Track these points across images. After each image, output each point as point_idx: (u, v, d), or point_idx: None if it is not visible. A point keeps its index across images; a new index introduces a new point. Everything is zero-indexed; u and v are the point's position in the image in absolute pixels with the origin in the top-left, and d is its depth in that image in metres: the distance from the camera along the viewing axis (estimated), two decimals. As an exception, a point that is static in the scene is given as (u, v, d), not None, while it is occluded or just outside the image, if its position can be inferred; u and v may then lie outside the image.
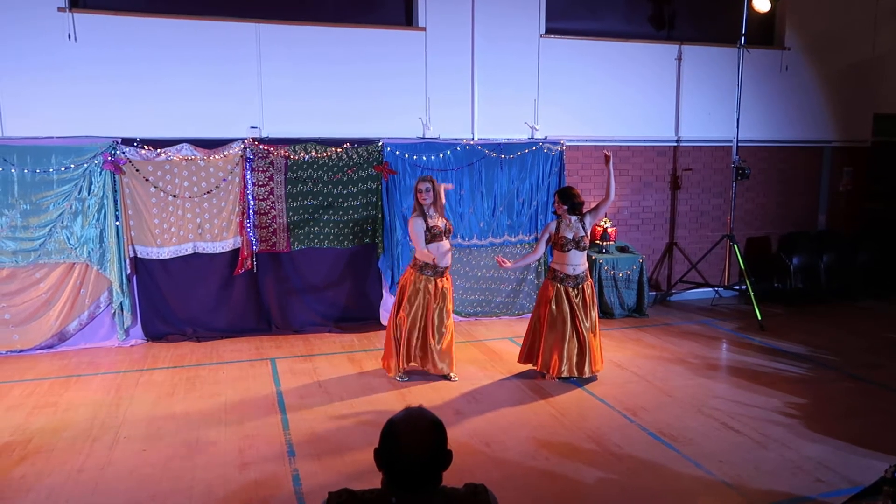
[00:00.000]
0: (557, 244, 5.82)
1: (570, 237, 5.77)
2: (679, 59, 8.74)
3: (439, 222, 5.75)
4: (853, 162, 9.82)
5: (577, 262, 5.81)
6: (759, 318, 7.74)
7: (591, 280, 6.00)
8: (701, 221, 9.22)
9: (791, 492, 4.03)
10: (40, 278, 6.72)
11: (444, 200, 5.90)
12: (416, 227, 5.69)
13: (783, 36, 9.23)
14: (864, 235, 9.77)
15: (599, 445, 4.66)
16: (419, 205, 5.72)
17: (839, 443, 4.68)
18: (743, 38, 8.28)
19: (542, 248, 5.95)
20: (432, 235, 5.68)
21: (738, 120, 8.40)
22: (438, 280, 5.78)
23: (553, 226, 5.87)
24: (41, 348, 6.75)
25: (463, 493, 1.98)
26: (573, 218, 5.81)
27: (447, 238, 5.79)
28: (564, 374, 5.79)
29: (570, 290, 5.81)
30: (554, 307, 5.78)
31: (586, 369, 5.82)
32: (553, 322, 5.79)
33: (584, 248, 5.82)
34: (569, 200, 5.81)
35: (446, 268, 5.83)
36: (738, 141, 8.46)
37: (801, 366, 6.42)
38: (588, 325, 5.83)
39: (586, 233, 5.83)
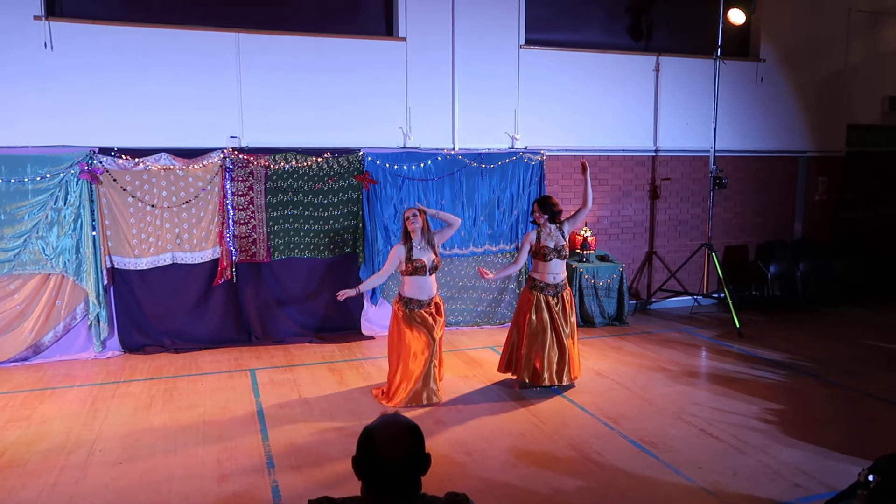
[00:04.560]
0: (539, 254, 5.82)
1: (552, 246, 5.77)
2: (657, 70, 8.86)
3: (425, 257, 5.49)
4: (828, 171, 9.99)
5: (558, 270, 5.83)
6: (738, 325, 7.82)
7: (569, 288, 6.02)
8: (680, 230, 9.32)
9: (769, 497, 4.05)
10: (14, 289, 6.61)
11: (432, 234, 5.60)
12: (395, 252, 5.56)
13: (758, 48, 9.39)
14: (839, 244, 9.93)
15: (580, 453, 4.67)
16: (406, 232, 5.55)
17: (817, 448, 4.73)
18: (719, 50, 8.41)
19: (523, 259, 5.92)
20: (413, 269, 5.48)
21: (714, 130, 8.52)
22: (426, 310, 5.56)
23: (533, 236, 5.87)
24: (15, 361, 6.63)
25: (444, 502, 1.97)
26: (552, 227, 5.83)
27: (431, 274, 5.54)
28: (545, 383, 5.79)
29: (551, 298, 5.82)
30: (534, 316, 5.79)
31: (565, 377, 5.83)
32: (533, 331, 5.79)
33: (564, 257, 5.85)
34: (548, 209, 5.82)
35: (430, 299, 5.57)
36: (715, 151, 8.57)
37: (778, 372, 6.49)
38: (567, 332, 5.85)
39: (566, 241, 5.87)
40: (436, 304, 5.67)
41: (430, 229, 5.61)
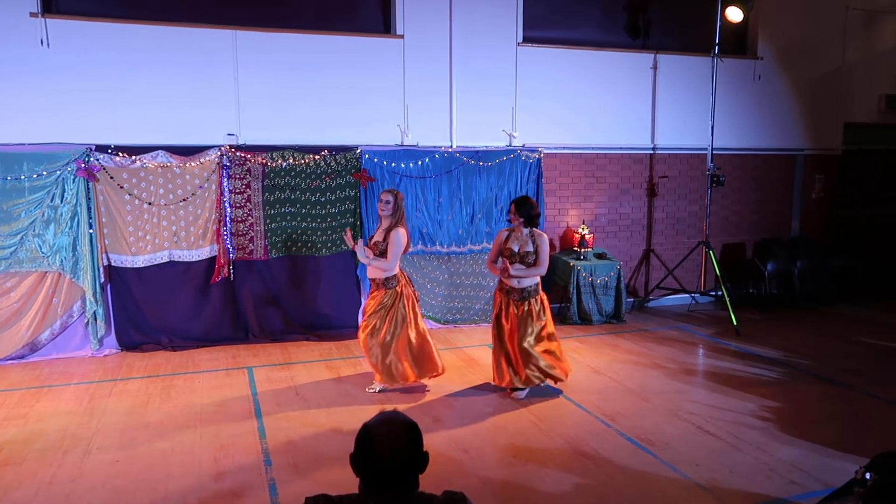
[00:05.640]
0: (503, 255, 5.56)
1: (516, 250, 5.49)
2: (654, 67, 8.85)
3: (378, 237, 5.64)
4: (825, 169, 10.00)
5: (522, 275, 5.51)
6: (735, 323, 7.83)
7: (542, 295, 5.65)
8: (677, 228, 9.32)
9: (766, 494, 4.06)
10: (11, 287, 6.59)
11: (392, 232, 5.58)
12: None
13: (756, 46, 9.39)
14: (836, 242, 9.95)
15: (577, 451, 4.67)
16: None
17: (813, 445, 4.74)
18: (716, 48, 8.40)
19: (494, 257, 5.68)
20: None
21: (712, 128, 8.51)
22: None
23: (503, 235, 5.62)
24: (12, 359, 6.61)
25: (441, 501, 1.97)
26: (525, 231, 5.53)
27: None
28: (516, 385, 5.63)
29: (514, 303, 5.55)
30: (501, 318, 5.63)
31: (516, 380, 5.61)
32: (499, 335, 5.65)
33: (528, 264, 5.49)
34: (524, 212, 5.49)
35: (372, 280, 5.77)
36: (712, 149, 8.57)
37: (775, 370, 6.50)
38: (529, 339, 5.51)
39: (534, 251, 5.49)
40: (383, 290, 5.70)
41: (393, 226, 5.56)
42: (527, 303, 5.56)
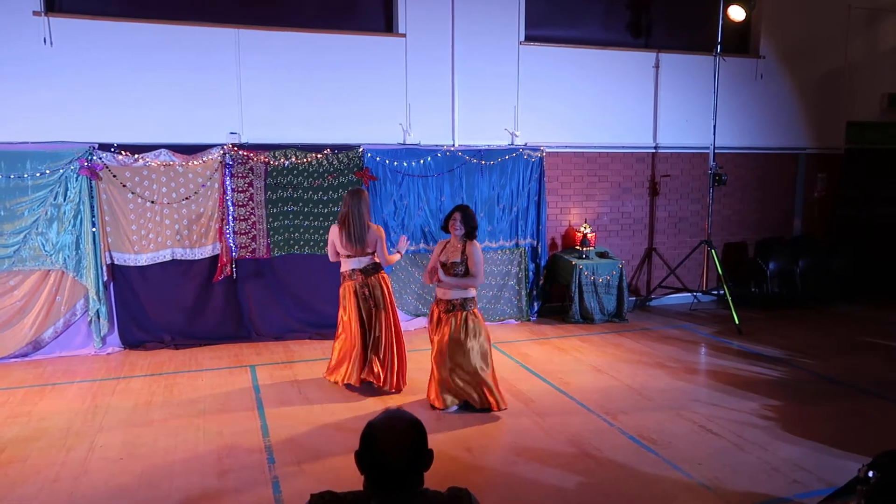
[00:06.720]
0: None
1: (444, 261, 5.17)
2: (656, 66, 8.85)
3: None
4: (827, 168, 9.99)
5: (446, 287, 5.19)
6: (737, 322, 7.83)
7: (474, 311, 5.22)
8: (679, 227, 9.32)
9: (768, 493, 4.07)
10: (14, 285, 6.61)
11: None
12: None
13: (758, 44, 9.38)
14: (838, 241, 9.95)
15: (580, 449, 4.68)
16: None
17: (815, 444, 4.74)
18: (719, 47, 8.40)
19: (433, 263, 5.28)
20: None
21: (714, 127, 8.51)
22: None
23: (440, 247, 5.29)
24: (15, 357, 6.63)
25: (445, 497, 1.98)
26: (461, 243, 5.18)
27: None
28: (436, 405, 5.32)
29: (442, 314, 5.25)
30: (433, 327, 5.42)
31: (444, 400, 5.27)
32: (435, 344, 5.36)
33: (456, 275, 5.13)
34: (468, 223, 5.17)
35: None
36: (714, 148, 8.57)
37: (777, 369, 6.50)
38: (455, 356, 5.16)
39: (463, 263, 5.12)
40: None
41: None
42: (452, 317, 5.19)
